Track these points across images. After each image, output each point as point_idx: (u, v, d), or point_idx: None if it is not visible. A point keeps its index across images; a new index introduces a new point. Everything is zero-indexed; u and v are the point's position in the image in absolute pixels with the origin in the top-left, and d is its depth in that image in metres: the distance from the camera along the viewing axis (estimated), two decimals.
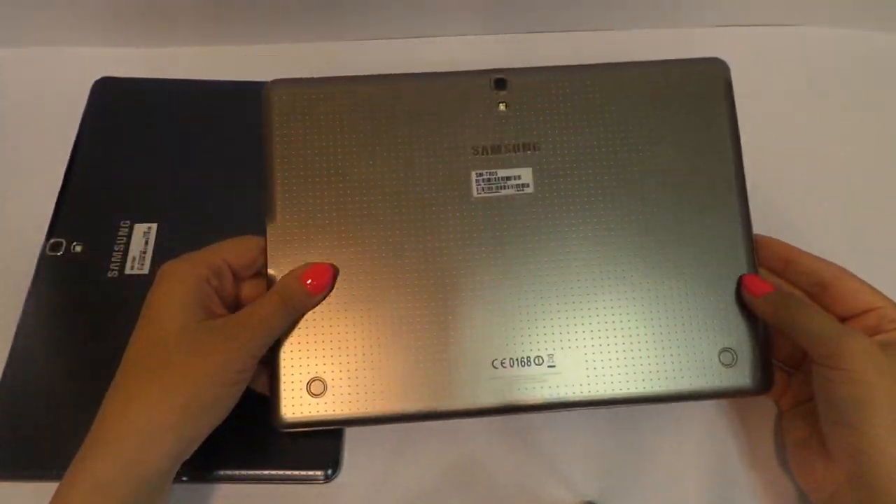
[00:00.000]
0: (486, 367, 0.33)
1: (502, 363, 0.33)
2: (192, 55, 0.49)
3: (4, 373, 0.37)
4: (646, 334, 0.34)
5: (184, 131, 0.45)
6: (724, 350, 0.34)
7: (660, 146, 0.36)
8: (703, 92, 0.37)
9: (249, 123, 0.43)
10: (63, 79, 0.47)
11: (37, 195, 0.42)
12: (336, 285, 0.34)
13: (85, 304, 0.39)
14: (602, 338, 0.34)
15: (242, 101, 0.46)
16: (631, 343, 0.34)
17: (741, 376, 0.34)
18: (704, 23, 0.52)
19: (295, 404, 0.33)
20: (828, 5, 0.50)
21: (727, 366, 0.34)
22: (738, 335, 0.34)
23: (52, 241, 0.40)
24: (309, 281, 0.33)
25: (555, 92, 0.37)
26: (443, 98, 0.37)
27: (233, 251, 0.33)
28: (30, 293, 0.39)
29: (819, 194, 0.45)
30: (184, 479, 0.34)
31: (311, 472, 0.35)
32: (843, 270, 0.34)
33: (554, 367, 0.33)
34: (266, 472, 0.35)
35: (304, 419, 0.33)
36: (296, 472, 0.35)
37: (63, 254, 0.40)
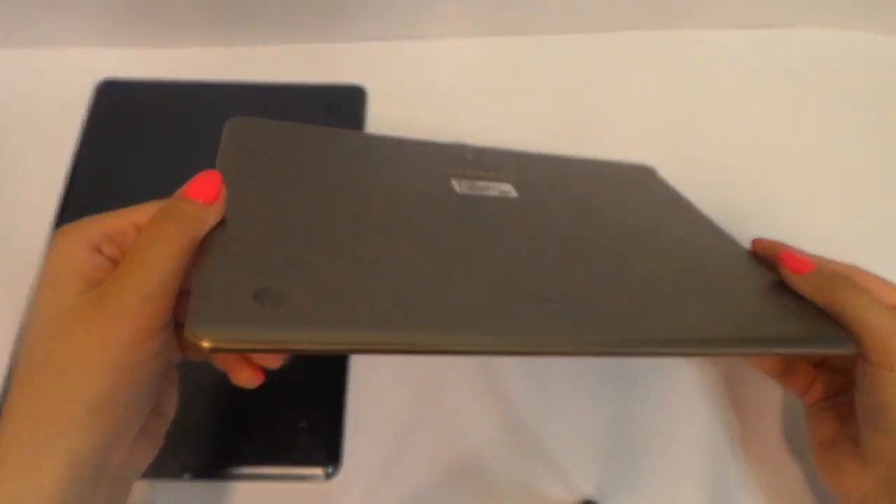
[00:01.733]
0: (507, 290, 0.27)
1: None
2: (195, 56, 0.49)
3: (7, 373, 0.37)
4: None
5: (186, 133, 0.45)
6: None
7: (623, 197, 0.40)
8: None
9: None
10: (65, 80, 0.47)
11: (39, 196, 0.43)
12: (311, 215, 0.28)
13: None
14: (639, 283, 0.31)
15: (245, 102, 0.46)
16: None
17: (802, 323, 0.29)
18: (704, 24, 0.52)
19: (230, 308, 0.21)
20: (828, 6, 0.50)
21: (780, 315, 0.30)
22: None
23: None
24: (197, 195, 0.25)
25: (515, 157, 0.40)
26: (413, 148, 0.38)
27: (150, 212, 0.25)
28: (31, 293, 0.39)
29: (818, 195, 0.45)
30: (183, 477, 0.35)
31: (311, 470, 0.35)
32: (857, 269, 0.32)
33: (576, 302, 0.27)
34: (266, 470, 0.35)
35: (241, 329, 0.21)
36: (296, 470, 0.35)
37: None
